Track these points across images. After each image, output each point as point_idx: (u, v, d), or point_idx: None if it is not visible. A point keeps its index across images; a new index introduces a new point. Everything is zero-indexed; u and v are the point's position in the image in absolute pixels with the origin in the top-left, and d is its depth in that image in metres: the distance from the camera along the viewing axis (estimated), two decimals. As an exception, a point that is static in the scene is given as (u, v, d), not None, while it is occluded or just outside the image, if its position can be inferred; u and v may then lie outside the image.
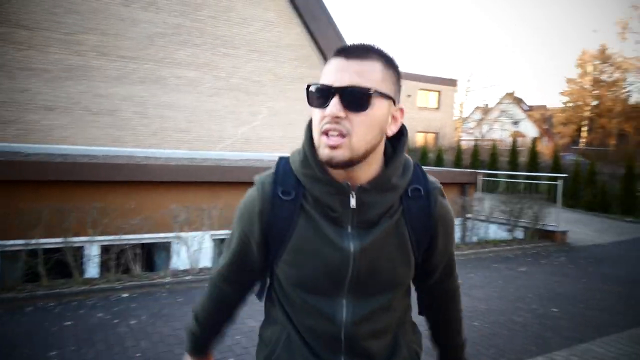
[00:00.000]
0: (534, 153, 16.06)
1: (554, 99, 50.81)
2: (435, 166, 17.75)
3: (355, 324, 1.01)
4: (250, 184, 1.10)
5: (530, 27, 79.54)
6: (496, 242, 7.94)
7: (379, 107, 0.93)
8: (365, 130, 0.92)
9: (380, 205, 0.98)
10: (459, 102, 36.11)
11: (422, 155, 21.12)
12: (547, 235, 8.44)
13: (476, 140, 20.38)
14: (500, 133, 36.93)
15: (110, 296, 4.51)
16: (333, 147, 0.91)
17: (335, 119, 0.90)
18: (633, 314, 4.77)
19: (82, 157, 8.58)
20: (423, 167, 1.10)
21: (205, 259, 5.97)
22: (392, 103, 0.96)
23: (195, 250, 5.35)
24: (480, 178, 9.66)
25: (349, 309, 1.00)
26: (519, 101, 47.33)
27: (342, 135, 0.90)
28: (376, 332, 1.03)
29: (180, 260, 5.77)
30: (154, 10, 11.50)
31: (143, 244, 5.72)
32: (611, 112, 36.43)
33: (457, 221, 8.81)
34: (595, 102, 38.74)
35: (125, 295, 4.52)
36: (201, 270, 5.33)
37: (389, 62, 0.96)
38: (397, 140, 1.04)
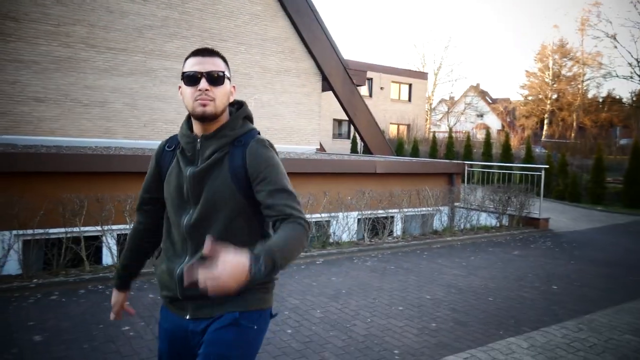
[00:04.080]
0: (507, 145, 16.83)
1: (515, 92, 52.58)
2: (411, 157, 18.32)
3: (191, 226, 1.48)
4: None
5: (494, 20, 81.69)
6: (487, 229, 8.50)
7: (226, 84, 1.51)
8: (222, 96, 1.49)
9: (212, 146, 1.50)
10: (427, 95, 36.89)
11: (399, 146, 21.70)
12: (531, 222, 9.06)
13: (450, 132, 21.07)
14: (466, 125, 38.09)
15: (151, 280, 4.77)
16: (204, 105, 1.45)
17: (206, 91, 1.45)
18: (623, 291, 5.32)
19: (76, 148, 8.59)
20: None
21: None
22: (229, 82, 1.54)
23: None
24: (466, 169, 10.21)
25: (191, 216, 1.49)
26: (483, 94, 48.80)
27: (210, 99, 1.45)
28: (203, 235, 1.37)
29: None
30: (142, 2, 11.45)
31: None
32: (571, 106, 38.11)
33: (444, 209, 9.31)
34: (555, 96, 40.29)
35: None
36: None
37: (224, 59, 1.54)
38: (239, 108, 1.60)
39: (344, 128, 28.66)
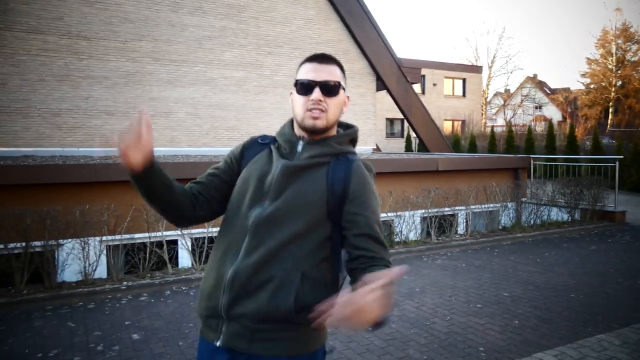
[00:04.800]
0: (572, 137, 16.12)
1: (573, 81, 49.94)
2: (468, 152, 17.87)
3: (261, 221, 1.31)
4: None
5: (549, 7, 78.33)
6: (559, 224, 8.20)
7: (341, 94, 1.42)
8: (335, 108, 1.40)
9: (315, 150, 1.39)
10: (482, 89, 35.86)
11: (455, 142, 21.26)
12: (606, 215, 8.65)
13: (509, 125, 20.40)
14: (523, 118, 36.73)
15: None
16: (316, 118, 1.36)
17: (318, 102, 1.36)
18: None
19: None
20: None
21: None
22: (344, 92, 1.45)
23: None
24: (532, 163, 9.89)
25: (264, 209, 1.32)
26: (541, 85, 46.89)
27: (322, 111, 1.36)
28: (268, 235, 1.30)
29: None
30: (201, 15, 11.87)
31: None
32: (638, 92, 35.92)
33: (511, 205, 9.04)
34: (620, 83, 38.11)
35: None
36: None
37: (341, 67, 1.46)
38: (346, 129, 1.52)
39: (397, 127, 28.42)
